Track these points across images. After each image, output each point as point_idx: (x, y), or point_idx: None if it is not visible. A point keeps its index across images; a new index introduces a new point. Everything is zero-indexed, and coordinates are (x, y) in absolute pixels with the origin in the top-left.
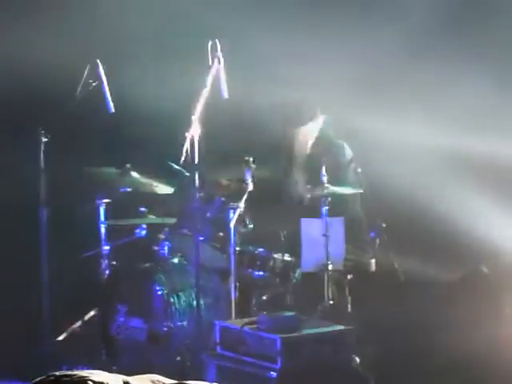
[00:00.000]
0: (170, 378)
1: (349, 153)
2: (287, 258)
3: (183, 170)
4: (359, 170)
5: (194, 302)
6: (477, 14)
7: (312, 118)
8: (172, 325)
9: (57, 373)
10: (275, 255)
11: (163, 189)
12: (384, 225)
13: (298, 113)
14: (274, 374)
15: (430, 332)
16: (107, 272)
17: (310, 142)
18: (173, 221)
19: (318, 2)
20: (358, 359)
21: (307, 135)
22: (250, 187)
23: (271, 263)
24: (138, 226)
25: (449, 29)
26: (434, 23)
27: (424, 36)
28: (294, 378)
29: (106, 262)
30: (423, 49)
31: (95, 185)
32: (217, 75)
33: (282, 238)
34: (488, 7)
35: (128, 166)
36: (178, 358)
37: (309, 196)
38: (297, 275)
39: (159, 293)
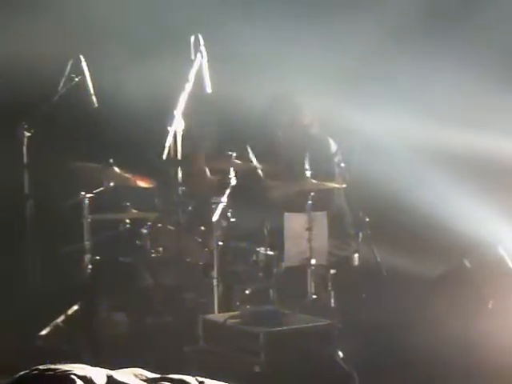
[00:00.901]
0: (152, 372)
1: (333, 147)
2: (270, 252)
3: (165, 164)
4: (342, 164)
5: (177, 296)
6: (468, 7)
7: (296, 113)
8: (155, 319)
9: (40, 367)
10: (258, 249)
11: (145, 183)
12: (367, 219)
13: (282, 109)
14: (257, 368)
15: (412, 326)
16: (90, 266)
17: (294, 137)
18: (155, 215)
19: None
20: (341, 353)
21: (291, 130)
22: (233, 181)
23: (254, 257)
24: (121, 220)
25: (438, 23)
26: (424, 18)
27: (412, 31)
28: (277, 372)
29: (89, 256)
30: (411, 43)
31: (78, 179)
32: (200, 69)
33: (265, 233)
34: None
35: (111, 160)
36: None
37: (291, 191)
38: (280, 269)
39: (142, 287)
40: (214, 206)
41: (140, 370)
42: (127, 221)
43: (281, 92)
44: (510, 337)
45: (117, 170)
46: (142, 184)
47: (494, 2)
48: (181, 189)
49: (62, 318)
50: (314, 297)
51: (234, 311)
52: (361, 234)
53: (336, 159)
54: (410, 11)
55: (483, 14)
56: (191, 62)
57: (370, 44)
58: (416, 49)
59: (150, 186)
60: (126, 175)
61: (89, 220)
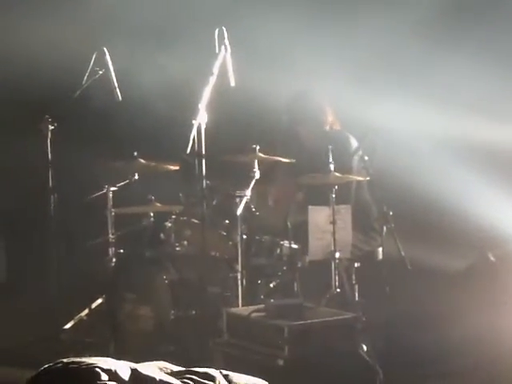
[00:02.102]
0: (177, 365)
1: (353, 143)
2: (294, 245)
3: (190, 158)
4: (366, 158)
5: (201, 290)
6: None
7: (318, 111)
8: (179, 313)
9: (64, 360)
10: (282, 243)
11: (172, 168)
12: (391, 213)
13: (305, 107)
14: (281, 361)
15: (437, 320)
16: (114, 260)
17: (316, 134)
18: (179, 208)
19: None
20: (365, 347)
21: (313, 127)
22: (257, 175)
23: (278, 251)
24: (145, 213)
25: (460, 14)
26: (446, 10)
27: (434, 23)
28: (301, 365)
29: (113, 249)
30: (432, 37)
31: (102, 173)
32: (224, 63)
33: (289, 226)
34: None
35: (135, 153)
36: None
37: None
38: (304, 263)
39: (166, 281)
40: (238, 200)
41: (164, 363)
42: (151, 214)
43: (303, 90)
44: None
45: (142, 161)
46: (169, 167)
47: None
48: (205, 182)
49: (86, 311)
50: (338, 290)
51: (258, 305)
52: (385, 228)
53: (357, 155)
54: (431, 3)
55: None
56: (215, 55)
57: (392, 39)
58: (438, 42)
59: (177, 168)
60: (152, 164)
61: (113, 214)
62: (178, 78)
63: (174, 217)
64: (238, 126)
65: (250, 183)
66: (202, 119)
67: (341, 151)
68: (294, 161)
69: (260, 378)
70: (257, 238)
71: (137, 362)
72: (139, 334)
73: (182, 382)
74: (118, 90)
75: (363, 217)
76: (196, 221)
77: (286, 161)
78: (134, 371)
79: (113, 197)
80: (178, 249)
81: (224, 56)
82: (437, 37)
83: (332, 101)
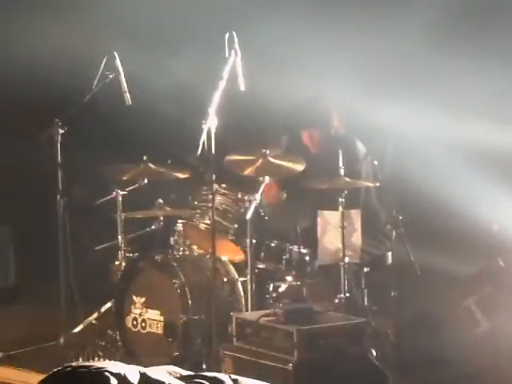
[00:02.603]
0: (186, 370)
1: (360, 147)
2: (303, 250)
3: (199, 161)
4: (375, 162)
5: (211, 294)
6: (497, 5)
7: (326, 116)
8: (188, 317)
9: (73, 364)
10: (291, 247)
11: (182, 174)
12: (400, 217)
13: (313, 112)
14: (290, 366)
15: (446, 325)
16: (123, 264)
17: (322, 138)
18: (189, 212)
19: None
20: (374, 352)
21: (320, 131)
22: (267, 180)
23: (287, 255)
24: (155, 217)
25: (468, 20)
26: (454, 16)
27: (443, 28)
28: (310, 370)
29: (123, 253)
30: (442, 41)
31: (112, 177)
32: (234, 67)
33: (299, 230)
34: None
35: (144, 157)
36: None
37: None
38: (313, 267)
39: (176, 285)
40: (247, 204)
41: (173, 367)
42: (161, 218)
43: (311, 95)
44: None
45: (151, 165)
46: (178, 175)
47: None
48: (215, 186)
49: (95, 315)
50: (348, 295)
51: (267, 309)
52: (394, 233)
53: (368, 159)
54: (439, 9)
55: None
56: (225, 59)
57: (403, 44)
58: (448, 46)
59: (187, 176)
60: (161, 169)
61: (122, 217)
62: (188, 83)
63: (183, 221)
64: (248, 130)
65: (260, 188)
66: (211, 123)
67: (348, 155)
68: (303, 165)
69: (269, 382)
70: (266, 242)
71: (146, 366)
72: (148, 338)
73: None
74: (127, 94)
75: (372, 221)
76: (205, 225)
77: (296, 167)
78: (143, 375)
79: (122, 201)
80: (187, 253)
81: (234, 60)
82: (447, 41)
83: (340, 105)
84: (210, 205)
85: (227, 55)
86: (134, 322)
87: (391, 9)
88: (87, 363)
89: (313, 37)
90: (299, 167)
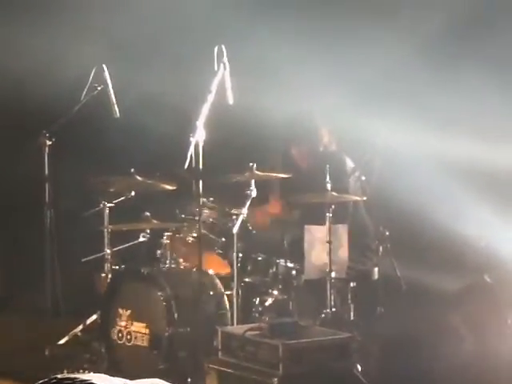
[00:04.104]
0: (171, 383)
1: (349, 163)
2: (290, 264)
3: (187, 175)
4: (363, 178)
5: (196, 308)
6: (490, 25)
7: (314, 132)
8: (174, 330)
9: (59, 375)
10: (278, 261)
11: (169, 186)
12: (387, 232)
13: (303, 128)
14: (275, 380)
15: (431, 341)
16: (110, 276)
17: (311, 155)
18: (176, 225)
19: (325, 11)
20: (359, 367)
21: (309, 148)
22: (254, 193)
23: (274, 269)
24: (141, 230)
25: (461, 39)
26: (447, 33)
27: (434, 46)
28: None
29: (109, 266)
30: (432, 58)
31: (99, 189)
32: (222, 81)
33: (286, 245)
34: (489, 12)
35: (132, 170)
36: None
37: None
38: (299, 282)
39: (161, 298)
40: (234, 218)
41: (159, 380)
42: (147, 231)
43: (300, 111)
44: None
45: (139, 178)
46: (165, 187)
47: None
48: (202, 199)
49: (80, 327)
50: (334, 310)
51: (252, 323)
52: (381, 248)
53: (354, 175)
54: (433, 26)
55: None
56: (214, 72)
57: (392, 60)
58: (437, 62)
59: (174, 189)
60: (149, 182)
61: (109, 230)
62: (176, 95)
63: (169, 234)
64: (236, 143)
65: (247, 201)
66: (200, 136)
67: (337, 171)
68: (290, 176)
69: None
70: (253, 256)
71: (131, 379)
72: (134, 350)
73: None
74: (116, 106)
75: (360, 236)
76: (192, 238)
77: (283, 176)
78: None
79: (109, 213)
80: (173, 266)
81: (223, 74)
82: (436, 56)
83: (329, 121)
84: (197, 218)
85: (216, 68)
86: (120, 335)
87: (382, 23)
88: (72, 375)
89: (303, 52)
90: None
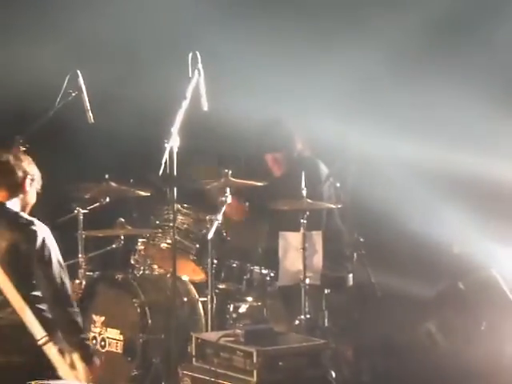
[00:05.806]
0: None
1: (323, 169)
2: (264, 270)
3: (161, 181)
4: (338, 184)
5: (171, 314)
6: (473, 33)
7: (289, 138)
8: (148, 336)
9: (32, 382)
10: (252, 268)
11: (144, 192)
12: (362, 240)
13: (276, 134)
14: None
15: (406, 347)
16: (83, 282)
17: (285, 161)
18: (150, 232)
19: (298, 20)
20: (333, 374)
21: (283, 154)
22: (229, 200)
23: (248, 276)
24: (116, 236)
25: (443, 48)
26: (428, 43)
27: (414, 55)
28: None
29: (83, 272)
30: (410, 67)
31: (73, 195)
32: (197, 87)
33: (260, 251)
34: (473, 29)
35: (106, 176)
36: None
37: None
38: (274, 288)
39: (135, 304)
40: (208, 224)
41: None
42: (122, 237)
43: (275, 118)
44: (503, 358)
45: (113, 184)
46: (140, 193)
47: (501, 26)
48: (176, 206)
49: None
50: (308, 316)
51: (227, 329)
52: (355, 255)
53: (328, 182)
54: (412, 35)
55: (489, 38)
56: (189, 79)
57: (369, 68)
58: (416, 72)
59: (148, 195)
60: (123, 188)
61: (83, 236)
62: (151, 102)
63: (144, 240)
64: (210, 150)
65: (221, 208)
66: (174, 143)
67: (310, 177)
68: (265, 184)
69: None
70: (227, 262)
71: None
72: (107, 357)
73: None
74: (90, 112)
75: (334, 243)
76: (166, 244)
77: (258, 184)
78: None
79: (83, 219)
80: (147, 272)
81: (197, 80)
82: (410, 63)
83: (303, 127)
84: (171, 224)
85: (190, 75)
86: (94, 341)
87: (355, 31)
88: (46, 382)
89: (276, 60)
90: (260, 184)
